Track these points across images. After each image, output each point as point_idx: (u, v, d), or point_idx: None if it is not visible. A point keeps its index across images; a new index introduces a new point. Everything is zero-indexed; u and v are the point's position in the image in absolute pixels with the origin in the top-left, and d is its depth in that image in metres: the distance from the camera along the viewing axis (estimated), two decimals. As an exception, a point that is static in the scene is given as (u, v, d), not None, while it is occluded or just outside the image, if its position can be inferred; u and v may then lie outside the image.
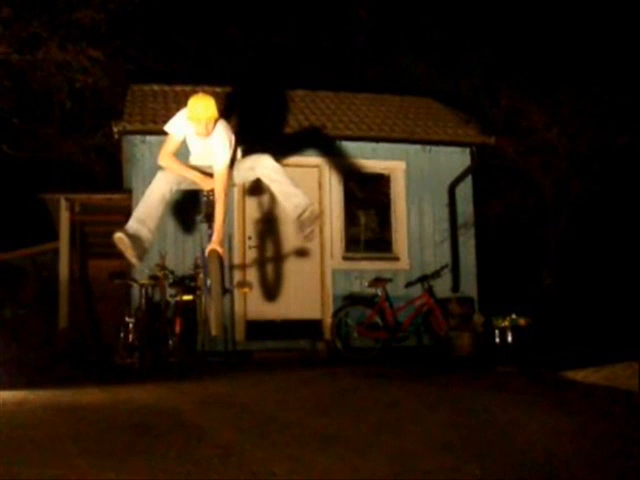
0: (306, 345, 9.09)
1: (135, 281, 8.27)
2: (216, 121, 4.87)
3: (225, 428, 3.64)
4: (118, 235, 4.75)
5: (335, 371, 6.89)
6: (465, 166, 10.00)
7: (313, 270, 9.48)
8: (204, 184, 4.96)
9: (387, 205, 10.06)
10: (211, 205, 4.87)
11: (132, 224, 4.93)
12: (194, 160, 5.09)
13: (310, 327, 9.27)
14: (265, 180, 5.02)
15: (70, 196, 11.04)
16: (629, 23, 11.35)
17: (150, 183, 9.07)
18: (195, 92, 11.06)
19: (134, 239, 4.79)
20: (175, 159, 5.03)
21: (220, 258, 4.72)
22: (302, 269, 9.39)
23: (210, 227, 4.90)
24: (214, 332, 4.63)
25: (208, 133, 4.84)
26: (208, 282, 4.81)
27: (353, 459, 2.89)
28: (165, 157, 4.99)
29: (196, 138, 4.95)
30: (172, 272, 8.20)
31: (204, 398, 4.80)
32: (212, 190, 4.88)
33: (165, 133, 9.13)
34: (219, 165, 4.83)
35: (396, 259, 9.85)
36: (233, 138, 4.95)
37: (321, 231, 9.58)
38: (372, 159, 9.90)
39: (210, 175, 4.93)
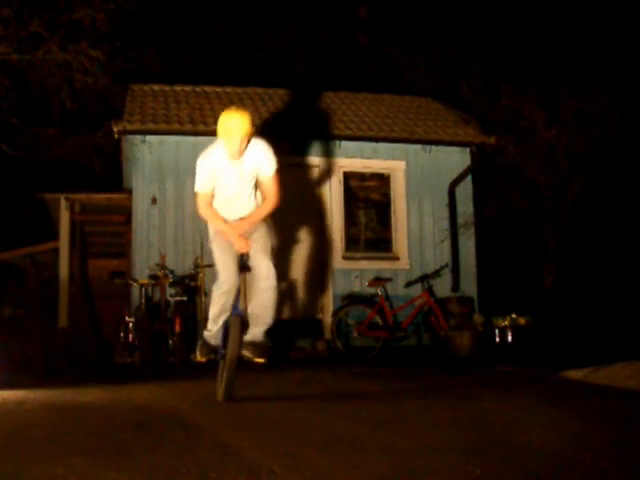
0: (306, 344, 9.10)
1: (135, 281, 8.28)
2: (249, 139, 4.56)
3: (225, 427, 3.65)
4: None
5: (335, 370, 6.90)
6: (465, 166, 10.01)
7: (313, 269, 9.48)
8: (238, 245, 4.59)
9: (387, 205, 10.07)
10: (246, 267, 4.64)
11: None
12: (223, 202, 4.75)
13: (310, 326, 9.27)
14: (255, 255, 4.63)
15: (70, 196, 11.07)
16: (629, 23, 11.35)
17: (150, 183, 9.19)
18: (195, 92, 11.18)
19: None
20: (214, 211, 4.73)
21: (242, 322, 4.58)
22: (302, 268, 9.39)
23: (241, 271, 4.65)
24: (219, 398, 4.45)
25: (240, 153, 4.53)
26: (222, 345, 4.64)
27: (353, 458, 2.89)
28: (204, 209, 4.72)
29: (229, 167, 4.62)
30: (172, 272, 8.21)
31: (204, 397, 4.80)
32: (246, 253, 4.61)
33: (165, 133, 9.24)
34: (268, 172, 4.63)
35: (396, 259, 9.86)
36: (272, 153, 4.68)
37: (322, 230, 9.60)
38: (372, 159, 9.91)
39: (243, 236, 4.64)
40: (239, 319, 4.59)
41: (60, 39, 8.67)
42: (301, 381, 5.85)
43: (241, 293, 4.73)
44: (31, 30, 8.50)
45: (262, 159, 4.63)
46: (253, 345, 4.66)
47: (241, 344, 4.53)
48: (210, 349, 4.88)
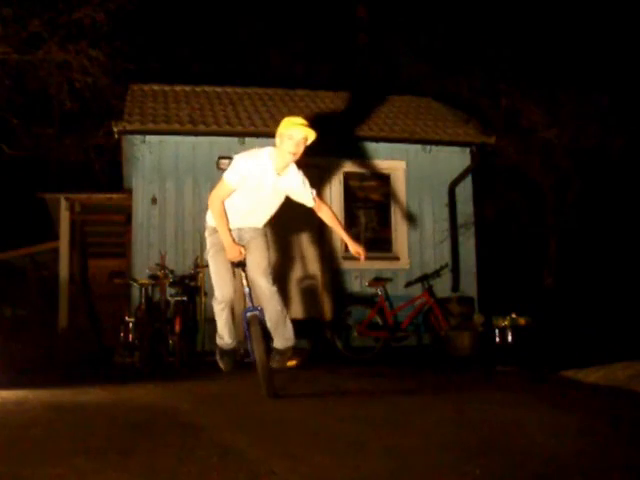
0: (306, 345, 9.09)
1: (135, 281, 8.28)
2: (304, 151, 4.60)
3: (225, 427, 3.65)
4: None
5: (335, 370, 6.90)
6: (465, 166, 10.01)
7: (313, 269, 9.48)
8: (231, 253, 4.55)
9: (387, 205, 10.06)
10: (241, 264, 4.64)
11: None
12: (243, 209, 4.68)
13: (310, 326, 9.26)
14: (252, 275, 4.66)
15: (70, 196, 11.07)
16: (629, 23, 11.35)
17: (150, 183, 9.19)
18: (195, 92, 11.18)
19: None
20: (224, 210, 4.61)
21: (260, 321, 4.58)
22: (302, 268, 9.39)
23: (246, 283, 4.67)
24: (263, 394, 4.48)
25: (297, 153, 4.54)
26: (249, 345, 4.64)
27: (354, 458, 2.89)
28: (217, 201, 4.59)
29: (270, 178, 4.57)
30: (172, 272, 8.21)
31: (204, 398, 4.80)
32: (235, 261, 4.62)
33: (165, 133, 9.24)
34: (310, 201, 4.75)
35: (396, 259, 9.85)
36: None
37: (321, 231, 9.59)
38: (372, 159, 9.91)
39: (240, 244, 4.62)
40: (256, 319, 4.58)
41: (60, 39, 8.69)
42: (301, 381, 5.85)
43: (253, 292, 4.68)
44: (31, 30, 8.52)
45: (300, 188, 4.69)
46: (280, 354, 4.73)
47: (264, 344, 4.54)
48: (230, 357, 4.94)
